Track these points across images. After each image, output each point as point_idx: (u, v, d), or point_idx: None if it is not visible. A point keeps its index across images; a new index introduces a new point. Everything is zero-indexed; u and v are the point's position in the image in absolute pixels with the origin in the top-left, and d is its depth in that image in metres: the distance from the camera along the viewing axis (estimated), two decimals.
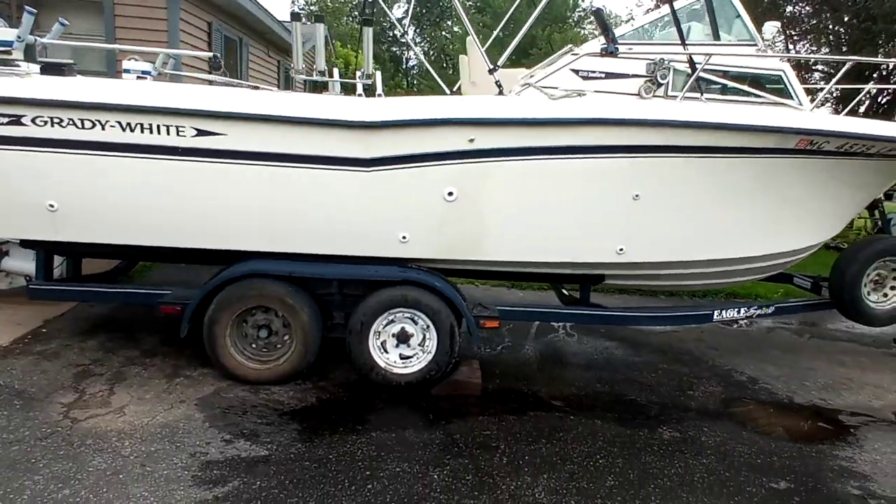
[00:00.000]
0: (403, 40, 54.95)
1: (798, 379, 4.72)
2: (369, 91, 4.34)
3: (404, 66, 51.26)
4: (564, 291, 5.27)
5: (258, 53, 9.84)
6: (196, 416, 3.40)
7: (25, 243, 3.98)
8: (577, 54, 3.91)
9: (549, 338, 5.30)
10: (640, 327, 5.51)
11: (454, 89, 5.96)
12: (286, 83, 11.97)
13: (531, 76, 3.95)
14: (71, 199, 3.57)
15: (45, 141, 3.44)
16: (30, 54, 3.79)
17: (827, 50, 10.33)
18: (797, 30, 9.74)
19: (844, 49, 9.66)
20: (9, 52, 3.52)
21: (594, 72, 3.98)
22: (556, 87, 3.73)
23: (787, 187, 4.24)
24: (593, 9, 4.56)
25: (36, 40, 3.60)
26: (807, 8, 9.28)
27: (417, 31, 55.03)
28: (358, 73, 4.43)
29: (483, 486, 2.95)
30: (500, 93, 3.76)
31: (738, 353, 5.24)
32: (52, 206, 3.57)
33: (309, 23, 3.99)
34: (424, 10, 52.11)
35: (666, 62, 3.89)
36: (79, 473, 2.76)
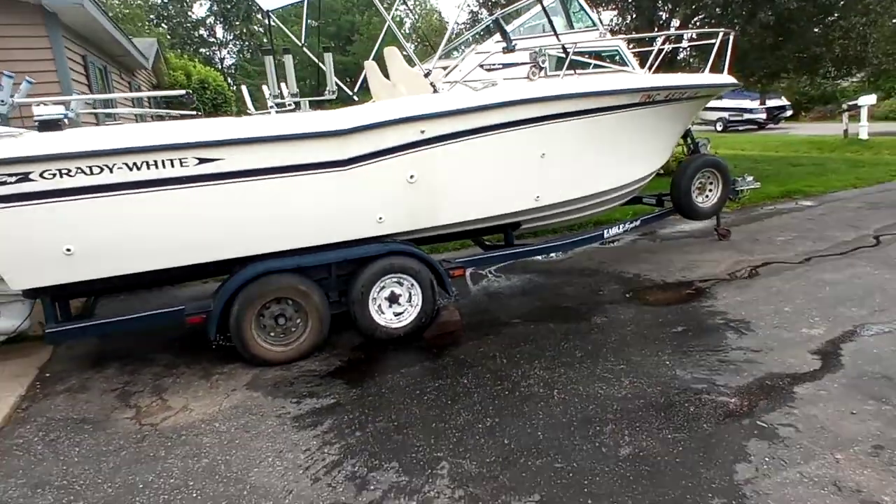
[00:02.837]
0: (212, 40, 52.36)
1: (664, 268, 6.47)
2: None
3: (220, 67, 48.77)
4: (487, 241, 6.50)
5: (115, 77, 9.58)
6: (254, 395, 4.06)
7: (29, 292, 4.18)
8: (480, 53, 5.03)
9: (484, 283, 6.51)
10: (552, 257, 6.97)
11: (356, 88, 6.81)
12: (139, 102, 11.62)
13: (448, 74, 5.00)
14: (87, 240, 3.92)
15: (57, 192, 3.76)
16: None
17: (618, 13, 12.72)
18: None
19: (633, 12, 11.97)
20: None
21: (494, 64, 5.12)
22: (476, 81, 4.83)
23: (636, 130, 5.82)
24: (493, 18, 5.69)
25: (12, 101, 3.82)
26: None
27: (226, 27, 52.53)
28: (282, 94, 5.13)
29: (500, 378, 4.07)
30: (435, 91, 4.78)
31: (620, 261, 6.91)
32: (68, 249, 3.90)
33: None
34: (231, 6, 49.87)
35: (543, 50, 5.18)
36: (200, 451, 3.37)
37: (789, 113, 28.56)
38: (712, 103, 27.15)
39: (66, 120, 4.99)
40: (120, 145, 3.85)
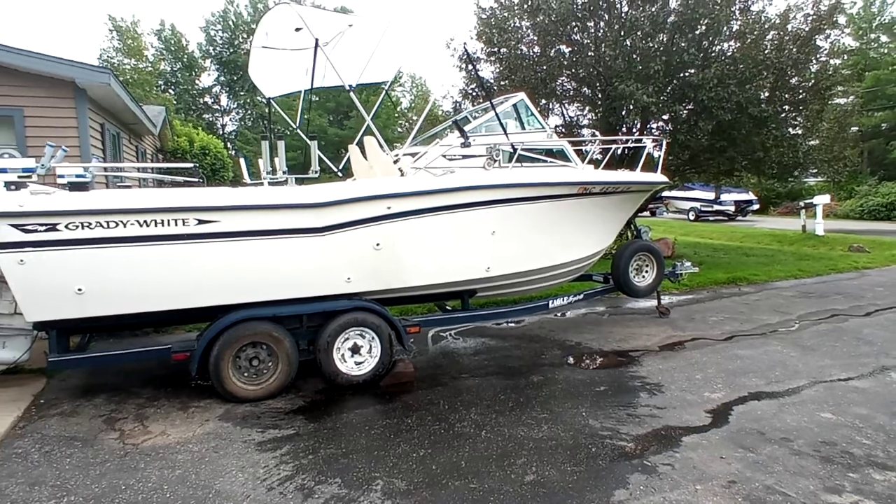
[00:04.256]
0: (216, 107, 55.07)
1: (604, 338, 7.25)
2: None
3: (221, 133, 50.93)
4: (448, 307, 7.27)
5: (125, 142, 10.57)
6: (225, 425, 4.67)
7: (39, 324, 4.84)
8: (444, 145, 6.03)
9: (442, 343, 7.23)
10: (503, 323, 7.74)
11: (341, 166, 7.82)
12: (140, 161, 12.69)
13: (415, 161, 5.98)
14: (97, 282, 4.65)
15: (77, 240, 4.53)
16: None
17: (589, 109, 14.20)
18: (567, 98, 13.34)
19: (599, 108, 13.40)
20: (30, 177, 4.57)
21: (455, 156, 6.11)
22: (437, 168, 5.78)
23: (578, 216, 6.77)
24: (454, 119, 6.77)
25: (49, 166, 4.66)
26: (572, 83, 12.84)
27: (231, 96, 55.24)
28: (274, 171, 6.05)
29: (438, 420, 4.72)
30: (402, 174, 5.71)
31: (567, 331, 7.68)
32: (80, 289, 4.62)
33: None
34: (237, 77, 52.73)
35: (497, 147, 6.19)
36: (175, 465, 3.96)
37: (756, 207, 30.37)
38: (686, 194, 29.08)
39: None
40: (134, 205, 4.67)
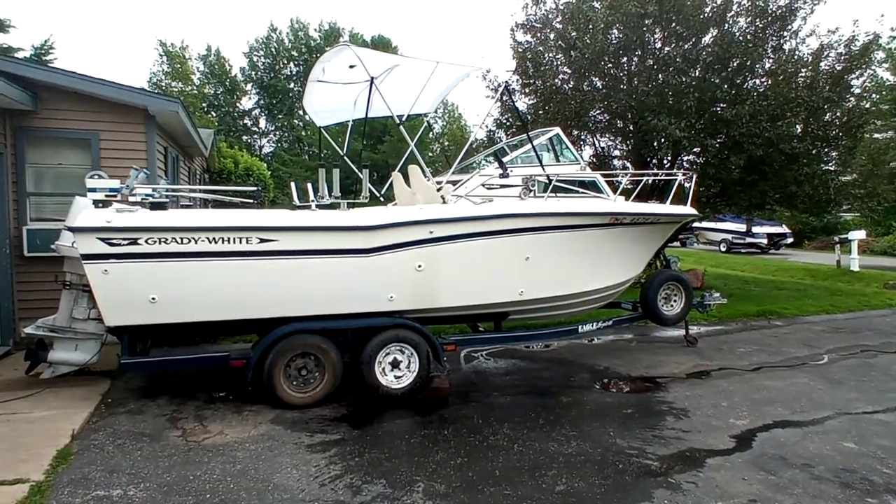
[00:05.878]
0: (255, 129, 57.07)
1: (632, 364, 7.46)
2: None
3: (259, 154, 52.61)
4: (481, 328, 7.60)
5: (181, 163, 11.30)
6: (276, 428, 5.06)
7: (115, 329, 5.34)
8: (483, 175, 6.45)
9: (475, 362, 7.54)
10: (534, 345, 8.02)
11: (384, 190, 8.29)
12: (191, 180, 13.48)
13: (456, 189, 6.41)
14: (169, 292, 5.14)
15: (154, 254, 5.04)
16: None
17: (620, 141, 14.54)
18: (600, 130, 13.73)
19: (630, 140, 13.72)
20: (115, 197, 5.12)
21: (494, 185, 6.52)
22: (477, 196, 6.19)
23: (609, 245, 7.07)
24: (494, 151, 7.22)
25: (133, 186, 5.21)
26: (605, 115, 13.21)
27: (269, 119, 57.24)
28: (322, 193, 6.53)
29: (473, 432, 5.03)
30: (444, 202, 6.13)
31: (596, 356, 7.91)
32: (153, 298, 5.11)
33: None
34: (276, 101, 54.73)
35: (533, 178, 6.57)
36: (235, 461, 4.35)
37: (790, 240, 29.99)
38: (717, 225, 28.92)
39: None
40: (205, 223, 5.17)
